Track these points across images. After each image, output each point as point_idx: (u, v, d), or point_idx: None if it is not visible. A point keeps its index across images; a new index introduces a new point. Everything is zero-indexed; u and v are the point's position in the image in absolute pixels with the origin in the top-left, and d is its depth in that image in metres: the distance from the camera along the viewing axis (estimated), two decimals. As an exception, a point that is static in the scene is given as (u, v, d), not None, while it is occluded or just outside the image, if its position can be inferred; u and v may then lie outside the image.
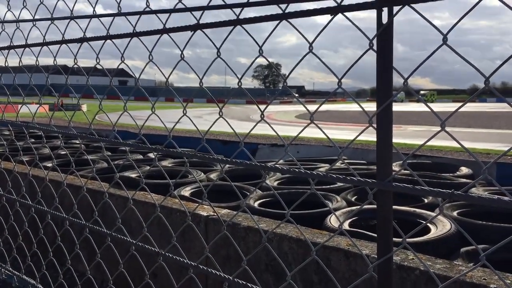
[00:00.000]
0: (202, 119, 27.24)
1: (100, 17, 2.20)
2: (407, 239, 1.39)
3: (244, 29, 1.60)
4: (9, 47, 2.80)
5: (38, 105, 2.78)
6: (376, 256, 1.55)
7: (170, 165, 6.69)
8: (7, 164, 4.12)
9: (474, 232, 3.45)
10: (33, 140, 8.65)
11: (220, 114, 1.76)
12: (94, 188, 4.16)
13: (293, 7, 1.53)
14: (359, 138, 1.48)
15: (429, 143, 1.34)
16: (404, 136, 18.32)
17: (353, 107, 59.49)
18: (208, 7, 1.67)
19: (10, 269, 3.37)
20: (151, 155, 7.48)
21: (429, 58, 1.27)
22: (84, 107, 32.26)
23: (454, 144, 11.96)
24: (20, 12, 2.71)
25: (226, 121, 1.78)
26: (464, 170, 6.17)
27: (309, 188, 1.57)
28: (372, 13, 1.44)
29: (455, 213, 3.91)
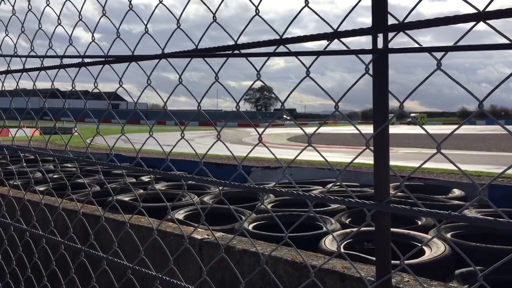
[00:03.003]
0: (194, 142, 27.16)
1: (88, 65, 2.24)
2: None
3: (243, 54, 1.63)
4: (7, 72, 2.81)
5: (31, 129, 2.78)
6: (372, 279, 1.56)
7: (163, 188, 6.67)
8: (1, 188, 4.09)
9: (467, 254, 3.47)
10: (24, 164, 8.60)
11: (218, 137, 1.78)
12: (87, 212, 4.14)
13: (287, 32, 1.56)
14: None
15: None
16: (396, 158, 18.41)
17: (345, 129, 59.81)
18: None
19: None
20: (144, 178, 7.46)
21: (417, 81, 1.30)
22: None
23: (445, 166, 12.04)
24: (18, 38, 2.74)
25: (225, 145, 1.80)
26: (457, 192, 6.21)
27: (304, 210, 1.58)
28: (360, 38, 1.48)
29: (448, 235, 3.92)
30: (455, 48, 1.13)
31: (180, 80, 1.88)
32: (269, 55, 1.53)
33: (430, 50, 1.17)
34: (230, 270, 2.44)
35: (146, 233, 3.65)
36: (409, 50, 1.21)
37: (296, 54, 1.44)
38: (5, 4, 2.80)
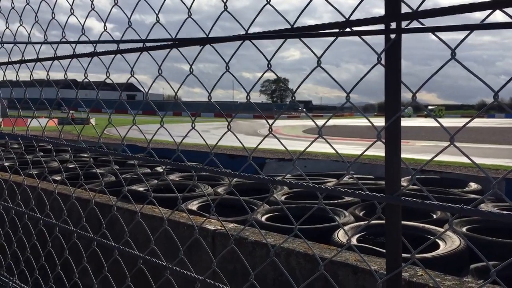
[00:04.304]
0: (210, 133, 27.27)
1: (99, 55, 2.24)
2: (416, 255, 1.37)
3: (254, 44, 1.61)
4: (21, 61, 2.83)
5: (48, 119, 2.80)
6: (384, 272, 1.54)
7: (177, 179, 6.70)
8: (17, 177, 4.15)
9: (484, 248, 3.42)
10: (41, 153, 8.70)
11: (229, 127, 1.76)
12: (101, 202, 4.17)
13: (299, 22, 1.54)
14: (367, 153, 1.47)
15: (437, 159, 1.34)
16: (412, 151, 18.24)
17: (361, 122, 59.45)
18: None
19: (18, 282, 3.37)
20: (159, 169, 7.50)
21: (433, 73, 1.27)
22: (93, 121, 32.43)
23: (463, 159, 11.90)
24: (32, 27, 2.75)
25: (235, 135, 1.79)
26: (473, 185, 6.13)
27: (317, 202, 1.57)
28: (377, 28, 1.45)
29: (464, 229, 3.87)
30: (470, 27, 1.10)
31: (191, 70, 1.87)
32: (281, 37, 1.50)
33: (444, 29, 1.13)
34: (242, 261, 2.44)
35: (159, 224, 3.67)
36: (422, 30, 1.18)
37: (303, 36, 1.42)
38: (19, -6, 2.82)
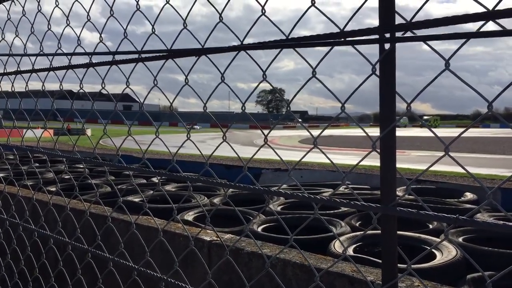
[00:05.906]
0: (206, 144, 27.28)
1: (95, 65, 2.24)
2: (412, 265, 1.37)
3: (249, 54, 1.62)
4: (16, 72, 2.83)
5: (43, 130, 2.80)
6: (380, 283, 1.54)
7: (173, 189, 6.69)
8: (11, 188, 4.13)
9: (480, 258, 3.41)
10: (37, 164, 8.67)
11: (224, 138, 1.76)
12: (97, 213, 4.15)
13: (294, 33, 1.55)
14: (363, 163, 1.48)
15: (433, 168, 1.34)
16: (408, 161, 18.28)
17: (356, 132, 59.59)
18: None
19: (11, 294, 3.34)
20: (155, 179, 7.48)
21: (426, 82, 1.28)
22: (89, 132, 32.43)
23: (458, 169, 11.93)
24: (27, 38, 2.75)
25: (230, 146, 1.79)
26: (469, 195, 6.14)
27: (313, 212, 1.56)
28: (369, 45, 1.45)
29: (460, 239, 3.87)
30: (465, 35, 1.11)
31: (186, 80, 1.87)
32: (277, 47, 1.51)
33: (439, 38, 1.14)
34: (238, 272, 2.43)
35: (155, 234, 3.65)
36: (417, 39, 1.19)
37: (299, 46, 1.42)
38: (15, 5, 2.82)
